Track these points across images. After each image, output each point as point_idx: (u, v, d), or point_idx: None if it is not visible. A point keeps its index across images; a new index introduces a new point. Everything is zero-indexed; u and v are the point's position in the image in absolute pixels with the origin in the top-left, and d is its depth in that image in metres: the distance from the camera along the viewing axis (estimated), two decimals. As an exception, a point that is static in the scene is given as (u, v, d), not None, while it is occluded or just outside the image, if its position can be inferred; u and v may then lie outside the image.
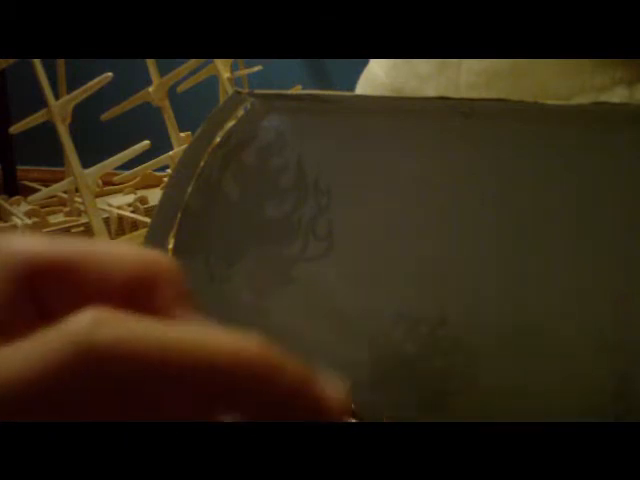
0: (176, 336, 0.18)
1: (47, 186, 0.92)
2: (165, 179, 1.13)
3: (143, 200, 1.14)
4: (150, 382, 0.18)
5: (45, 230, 0.97)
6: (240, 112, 0.47)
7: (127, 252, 0.22)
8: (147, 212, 1.09)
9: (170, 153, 0.98)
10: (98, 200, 0.97)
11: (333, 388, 0.20)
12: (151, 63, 1.07)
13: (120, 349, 0.17)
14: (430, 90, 0.57)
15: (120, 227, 1.05)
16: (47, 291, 0.21)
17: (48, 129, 0.91)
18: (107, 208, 1.08)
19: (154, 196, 1.15)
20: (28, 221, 0.98)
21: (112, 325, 0.18)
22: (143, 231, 0.96)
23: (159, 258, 0.22)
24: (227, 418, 0.19)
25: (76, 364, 0.17)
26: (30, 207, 1.06)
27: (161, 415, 0.18)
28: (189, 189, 0.48)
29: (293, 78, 1.60)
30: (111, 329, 0.17)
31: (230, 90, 1.03)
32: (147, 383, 0.18)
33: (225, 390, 0.18)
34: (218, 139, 0.47)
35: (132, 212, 1.09)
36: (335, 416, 0.20)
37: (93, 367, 0.17)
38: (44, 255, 0.21)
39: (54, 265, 0.21)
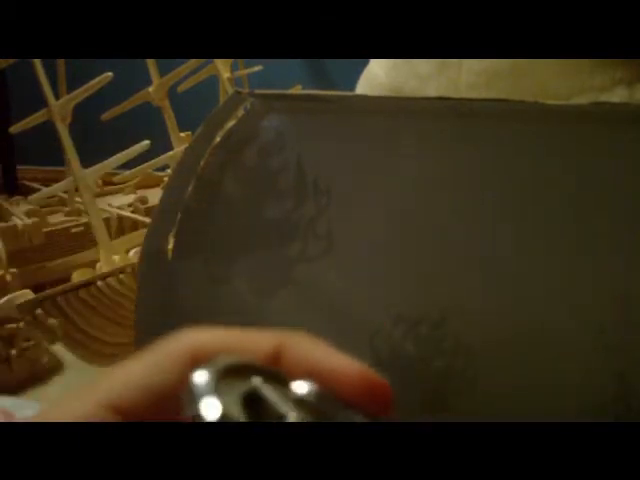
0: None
1: (47, 186, 0.92)
2: (165, 179, 1.13)
3: (143, 200, 1.14)
4: None
5: (45, 230, 0.97)
6: (240, 112, 0.47)
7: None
8: (147, 212, 1.09)
9: (170, 153, 0.97)
10: (98, 200, 0.97)
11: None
12: (151, 63, 1.07)
13: None
14: (430, 90, 0.57)
15: (120, 227, 1.05)
16: None
17: (48, 129, 0.90)
18: (107, 208, 1.07)
19: (154, 196, 1.15)
20: (28, 221, 0.97)
21: None
22: (143, 231, 0.96)
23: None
24: None
25: None
26: (30, 207, 1.05)
27: None
28: (189, 189, 0.48)
29: (293, 78, 1.59)
30: None
31: (230, 90, 1.03)
32: None
33: None
34: (218, 139, 0.47)
35: (132, 212, 1.09)
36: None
37: None
38: (207, 346, 0.21)
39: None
